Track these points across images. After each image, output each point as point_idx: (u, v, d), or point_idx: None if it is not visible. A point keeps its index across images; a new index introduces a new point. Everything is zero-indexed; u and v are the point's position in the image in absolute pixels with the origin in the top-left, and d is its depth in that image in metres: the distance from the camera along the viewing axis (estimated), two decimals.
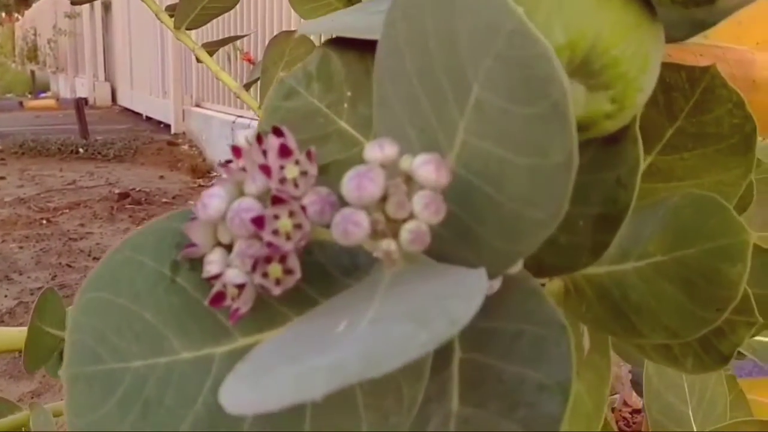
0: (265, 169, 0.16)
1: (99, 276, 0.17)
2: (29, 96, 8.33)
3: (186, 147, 5.10)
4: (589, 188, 0.21)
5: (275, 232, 0.16)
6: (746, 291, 0.23)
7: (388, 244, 0.16)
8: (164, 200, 3.71)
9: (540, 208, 0.15)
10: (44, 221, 3.19)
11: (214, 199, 0.17)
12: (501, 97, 0.15)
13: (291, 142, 0.16)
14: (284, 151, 0.16)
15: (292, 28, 0.93)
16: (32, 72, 8.76)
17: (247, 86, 0.75)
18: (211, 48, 0.77)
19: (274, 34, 0.70)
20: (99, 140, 4.97)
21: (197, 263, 0.17)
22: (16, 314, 2.09)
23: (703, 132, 0.26)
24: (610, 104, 0.19)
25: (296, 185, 0.16)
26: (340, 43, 0.23)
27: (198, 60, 0.72)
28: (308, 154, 0.16)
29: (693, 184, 0.26)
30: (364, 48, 0.22)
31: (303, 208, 0.16)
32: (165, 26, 0.70)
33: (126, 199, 3.58)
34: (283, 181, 0.16)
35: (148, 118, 6.46)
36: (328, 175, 0.19)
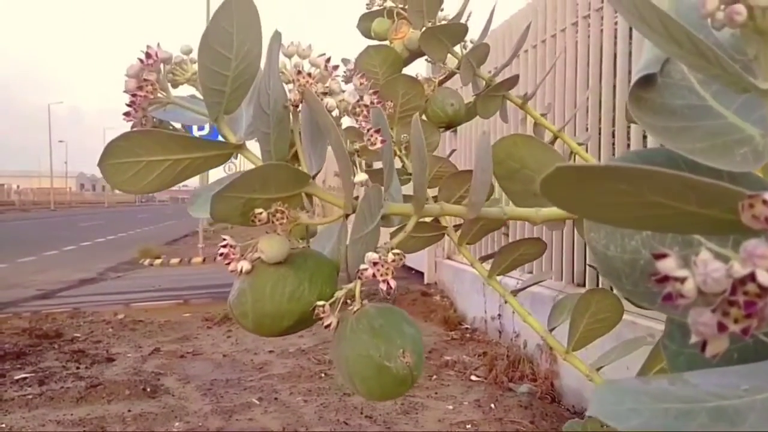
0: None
1: None
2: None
3: (438, 298, 5.41)
4: None
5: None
6: None
7: None
8: None
9: None
10: (323, 374, 3.59)
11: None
12: None
13: None
14: None
15: None
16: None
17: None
18: (516, 292, 0.90)
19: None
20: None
21: None
22: None
23: None
24: None
25: None
26: None
27: (505, 301, 0.85)
28: None
29: None
30: None
31: None
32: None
33: None
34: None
35: (403, 265, 7.03)
36: None
